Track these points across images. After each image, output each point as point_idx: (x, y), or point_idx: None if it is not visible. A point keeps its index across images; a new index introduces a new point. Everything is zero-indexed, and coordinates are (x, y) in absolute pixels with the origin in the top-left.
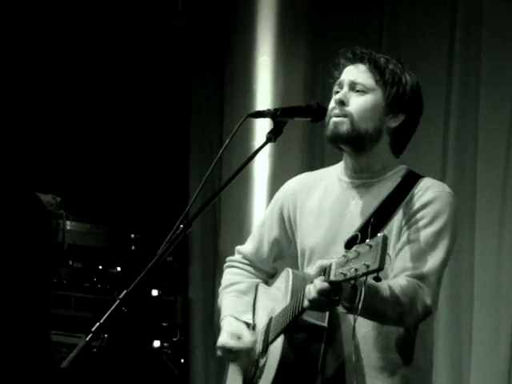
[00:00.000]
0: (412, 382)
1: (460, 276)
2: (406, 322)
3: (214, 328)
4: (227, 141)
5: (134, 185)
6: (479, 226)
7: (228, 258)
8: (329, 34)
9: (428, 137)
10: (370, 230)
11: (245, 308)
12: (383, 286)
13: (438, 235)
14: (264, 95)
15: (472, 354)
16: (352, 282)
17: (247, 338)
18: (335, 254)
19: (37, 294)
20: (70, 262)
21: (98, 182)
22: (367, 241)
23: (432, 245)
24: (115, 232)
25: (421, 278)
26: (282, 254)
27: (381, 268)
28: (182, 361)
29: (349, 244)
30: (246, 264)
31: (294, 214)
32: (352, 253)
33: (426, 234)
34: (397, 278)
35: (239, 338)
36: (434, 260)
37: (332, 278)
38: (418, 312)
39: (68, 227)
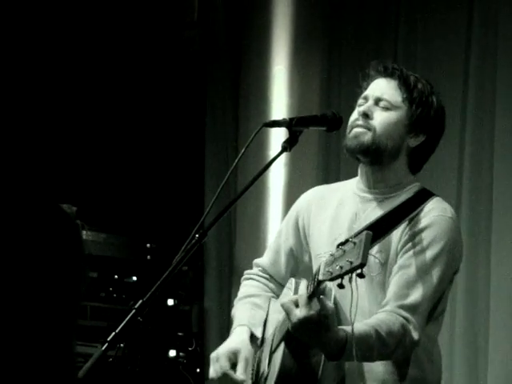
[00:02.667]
0: None
1: (476, 285)
2: (391, 358)
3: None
4: (243, 150)
5: (150, 194)
6: (495, 234)
7: (246, 272)
8: (344, 44)
9: (444, 146)
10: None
11: (258, 322)
12: (371, 332)
13: (432, 262)
14: (279, 104)
15: (489, 360)
16: (339, 280)
17: (239, 375)
18: None
19: (66, 306)
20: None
21: (113, 192)
22: (350, 239)
23: (425, 272)
24: (131, 242)
25: (410, 309)
26: (298, 266)
27: (363, 264)
28: (198, 370)
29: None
30: (264, 277)
31: (308, 224)
32: (338, 251)
33: (419, 260)
34: (385, 315)
35: (234, 364)
36: (425, 288)
37: (320, 277)
38: (404, 350)
39: (84, 237)
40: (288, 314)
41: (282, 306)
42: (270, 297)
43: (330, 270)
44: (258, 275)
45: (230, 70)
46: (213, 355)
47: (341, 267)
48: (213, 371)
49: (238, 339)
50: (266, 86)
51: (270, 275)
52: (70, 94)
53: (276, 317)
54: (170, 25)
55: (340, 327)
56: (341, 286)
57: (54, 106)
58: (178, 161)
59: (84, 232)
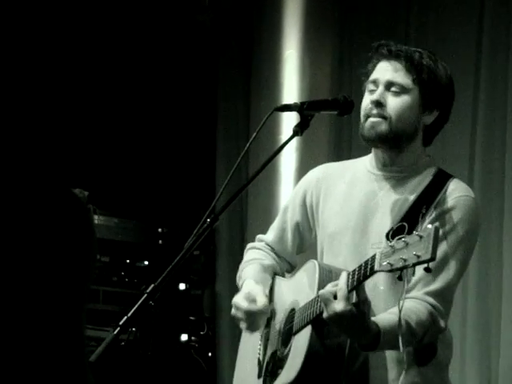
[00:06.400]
0: (429, 376)
1: (488, 275)
2: (417, 345)
3: None
4: (254, 134)
5: (162, 179)
6: (507, 220)
7: (249, 244)
8: (355, 28)
9: (456, 131)
10: (420, 219)
11: (265, 282)
12: (401, 323)
13: (457, 246)
14: (290, 89)
15: (500, 354)
16: (398, 272)
17: (261, 302)
18: (356, 243)
19: (76, 289)
20: (98, 256)
21: (125, 176)
22: (415, 232)
23: (450, 256)
24: (143, 226)
25: (437, 295)
26: (304, 244)
27: (433, 258)
28: (210, 354)
29: (392, 234)
30: (269, 250)
31: (316, 202)
32: (399, 243)
33: (445, 244)
34: (413, 303)
35: (253, 300)
36: (451, 273)
37: (377, 267)
38: (430, 338)
39: (96, 221)
40: (326, 305)
41: (321, 296)
42: (276, 267)
43: (390, 261)
44: (264, 247)
45: (242, 54)
46: (232, 311)
47: (404, 260)
48: (242, 323)
49: (249, 287)
50: (277, 70)
51: (275, 251)
52: (83, 80)
53: (287, 295)
54: (182, 9)
55: (371, 319)
56: (400, 279)
57: (67, 93)
58: (189, 145)
59: (96, 216)
